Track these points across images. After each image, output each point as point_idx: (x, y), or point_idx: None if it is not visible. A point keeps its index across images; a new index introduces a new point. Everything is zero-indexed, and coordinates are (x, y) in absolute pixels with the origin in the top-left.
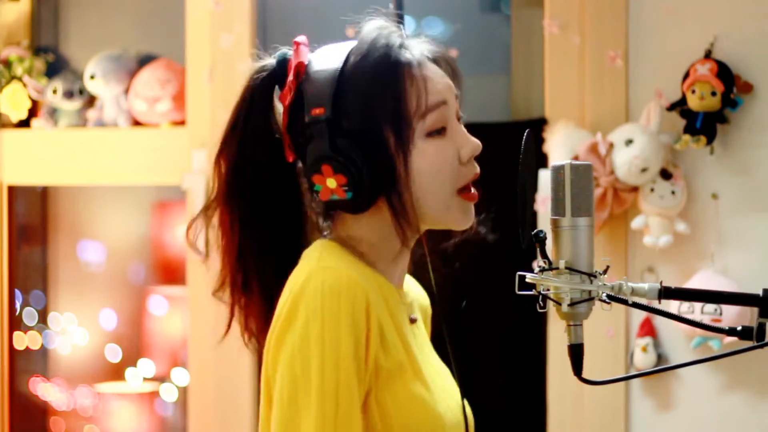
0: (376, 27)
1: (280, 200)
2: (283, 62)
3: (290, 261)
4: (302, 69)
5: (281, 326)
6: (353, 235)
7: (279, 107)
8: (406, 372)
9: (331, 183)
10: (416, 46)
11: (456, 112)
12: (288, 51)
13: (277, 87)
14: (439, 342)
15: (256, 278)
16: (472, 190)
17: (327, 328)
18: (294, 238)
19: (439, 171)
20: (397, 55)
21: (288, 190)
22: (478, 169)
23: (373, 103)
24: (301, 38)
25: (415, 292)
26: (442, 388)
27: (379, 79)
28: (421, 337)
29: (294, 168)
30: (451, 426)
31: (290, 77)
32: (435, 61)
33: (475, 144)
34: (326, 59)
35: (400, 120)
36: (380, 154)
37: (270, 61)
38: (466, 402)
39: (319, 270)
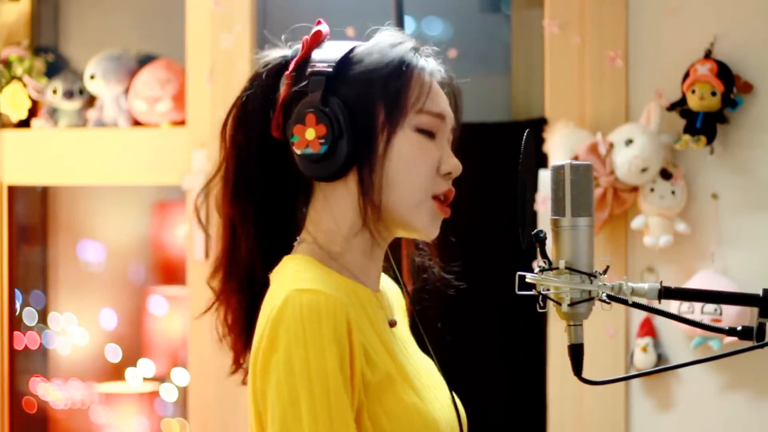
0: (393, 31)
1: (276, 181)
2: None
3: (279, 251)
4: (318, 38)
5: (264, 353)
6: (326, 228)
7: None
8: (396, 382)
9: (310, 134)
10: (432, 62)
11: (449, 140)
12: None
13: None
14: (417, 337)
15: (244, 264)
16: (447, 205)
17: (311, 352)
18: (286, 227)
19: (417, 164)
20: (411, 55)
21: (284, 177)
22: (452, 189)
23: (374, 81)
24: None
25: (389, 289)
26: (432, 388)
27: (388, 65)
28: (402, 338)
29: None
30: (445, 427)
31: (305, 37)
32: (444, 87)
33: (456, 163)
34: (341, 42)
35: (395, 102)
36: (365, 125)
37: (287, 51)
38: (456, 398)
39: (295, 293)
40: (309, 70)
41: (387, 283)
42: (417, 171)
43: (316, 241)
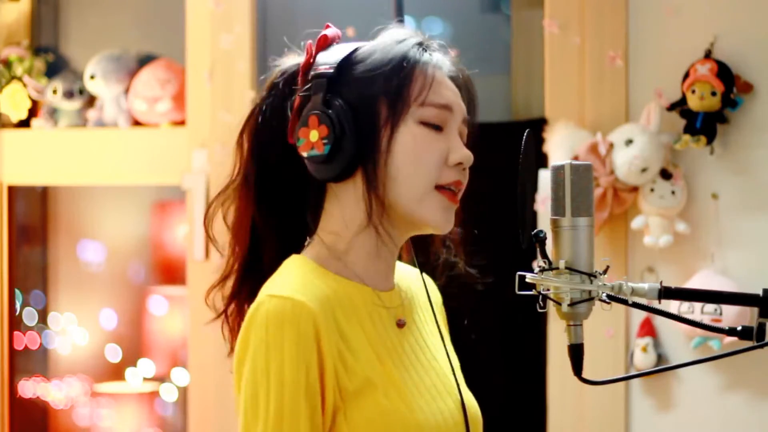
0: (400, 28)
1: (295, 187)
2: None
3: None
4: (325, 41)
5: (236, 357)
6: (333, 228)
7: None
8: (376, 388)
9: (313, 135)
10: (440, 57)
11: (461, 133)
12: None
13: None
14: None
15: (263, 262)
16: (454, 191)
17: (271, 358)
18: (303, 235)
19: (421, 157)
20: (416, 51)
21: (290, 175)
22: (464, 179)
23: (376, 75)
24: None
25: (411, 286)
26: (430, 394)
27: (390, 60)
28: (414, 338)
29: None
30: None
31: (310, 42)
32: (454, 80)
33: (466, 153)
34: (348, 44)
35: (397, 97)
36: (368, 123)
37: (300, 58)
38: (472, 399)
39: (266, 298)
40: (311, 73)
41: (410, 280)
42: (421, 164)
43: (323, 241)
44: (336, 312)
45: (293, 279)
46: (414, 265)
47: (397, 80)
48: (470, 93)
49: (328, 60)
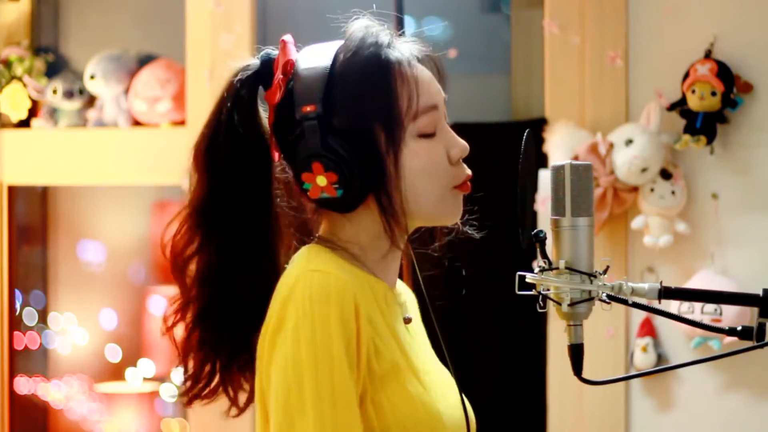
0: (363, 26)
1: (254, 204)
2: (267, 62)
3: (257, 268)
4: (291, 67)
5: (272, 332)
6: (343, 236)
7: (262, 111)
8: (402, 372)
9: (321, 181)
10: (404, 46)
11: (443, 115)
12: (272, 51)
13: (261, 87)
14: (433, 342)
15: (217, 288)
16: (468, 184)
17: (318, 331)
18: (262, 245)
19: (430, 170)
20: (386, 53)
21: (262, 193)
22: (469, 171)
23: (363, 101)
24: (287, 37)
25: (406, 293)
26: (440, 387)
27: (369, 77)
28: (417, 337)
29: (269, 170)
30: (451, 425)
31: (279, 75)
32: (422, 61)
33: (463, 145)
34: (314, 58)
35: (391, 120)
36: (371, 153)
37: (254, 60)
38: (466, 400)
39: (307, 273)
40: (297, 114)
41: (403, 288)
42: (431, 175)
43: (335, 244)
44: (366, 296)
45: (325, 259)
46: (411, 257)
47: (384, 99)
48: (438, 66)
49: (307, 91)
